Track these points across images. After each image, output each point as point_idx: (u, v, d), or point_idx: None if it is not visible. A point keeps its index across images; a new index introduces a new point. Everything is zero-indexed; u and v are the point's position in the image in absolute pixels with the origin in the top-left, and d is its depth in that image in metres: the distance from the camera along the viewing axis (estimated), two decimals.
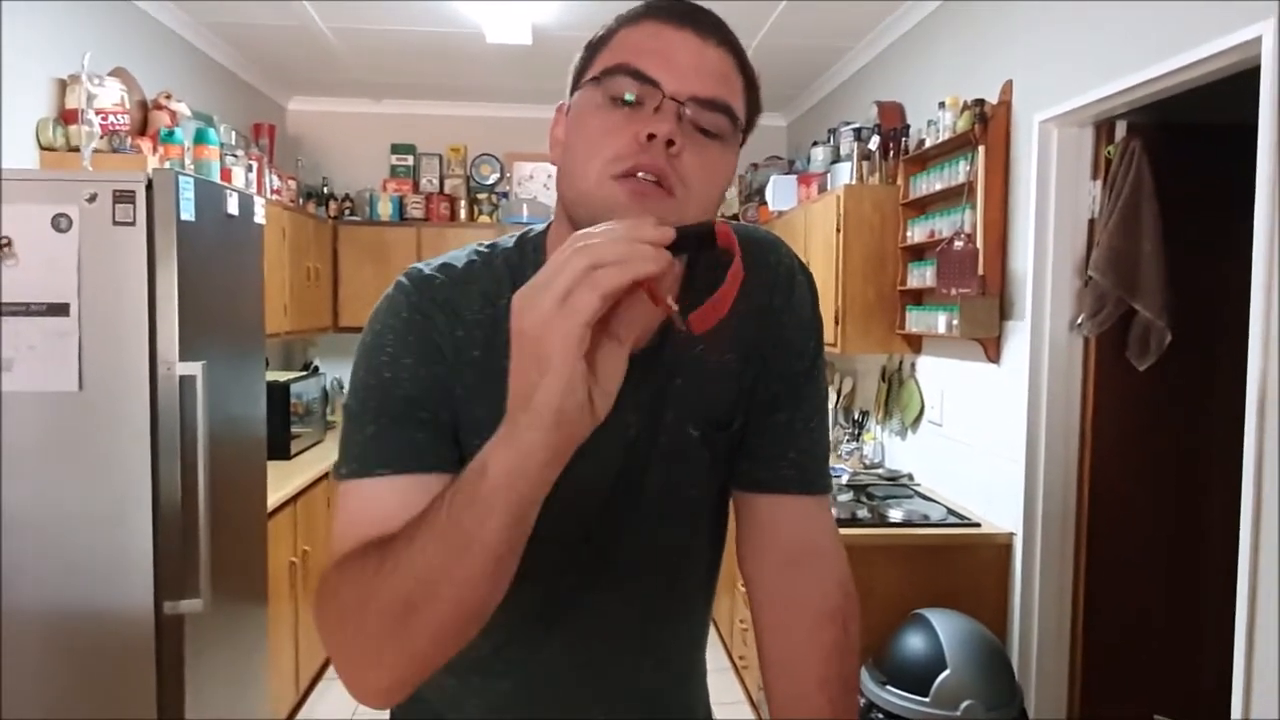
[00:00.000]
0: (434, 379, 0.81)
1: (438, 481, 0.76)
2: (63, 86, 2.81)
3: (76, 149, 2.65)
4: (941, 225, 2.99)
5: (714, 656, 1.02)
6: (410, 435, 0.78)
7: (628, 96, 0.74)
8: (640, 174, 0.72)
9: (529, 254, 0.87)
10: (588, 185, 0.74)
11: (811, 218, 3.67)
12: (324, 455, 3.73)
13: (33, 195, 2.01)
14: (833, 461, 3.18)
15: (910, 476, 3.45)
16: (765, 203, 4.24)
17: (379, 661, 0.66)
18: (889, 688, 2.37)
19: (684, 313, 0.60)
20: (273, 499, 2.89)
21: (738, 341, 0.90)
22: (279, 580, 2.97)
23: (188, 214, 2.11)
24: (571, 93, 0.82)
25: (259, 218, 2.65)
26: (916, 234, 3.18)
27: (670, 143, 0.72)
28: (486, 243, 0.90)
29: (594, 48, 0.80)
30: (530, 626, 0.89)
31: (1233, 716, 1.85)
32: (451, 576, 0.61)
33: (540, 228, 0.90)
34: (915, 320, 3.19)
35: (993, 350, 2.81)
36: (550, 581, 0.86)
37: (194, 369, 2.10)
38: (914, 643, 2.40)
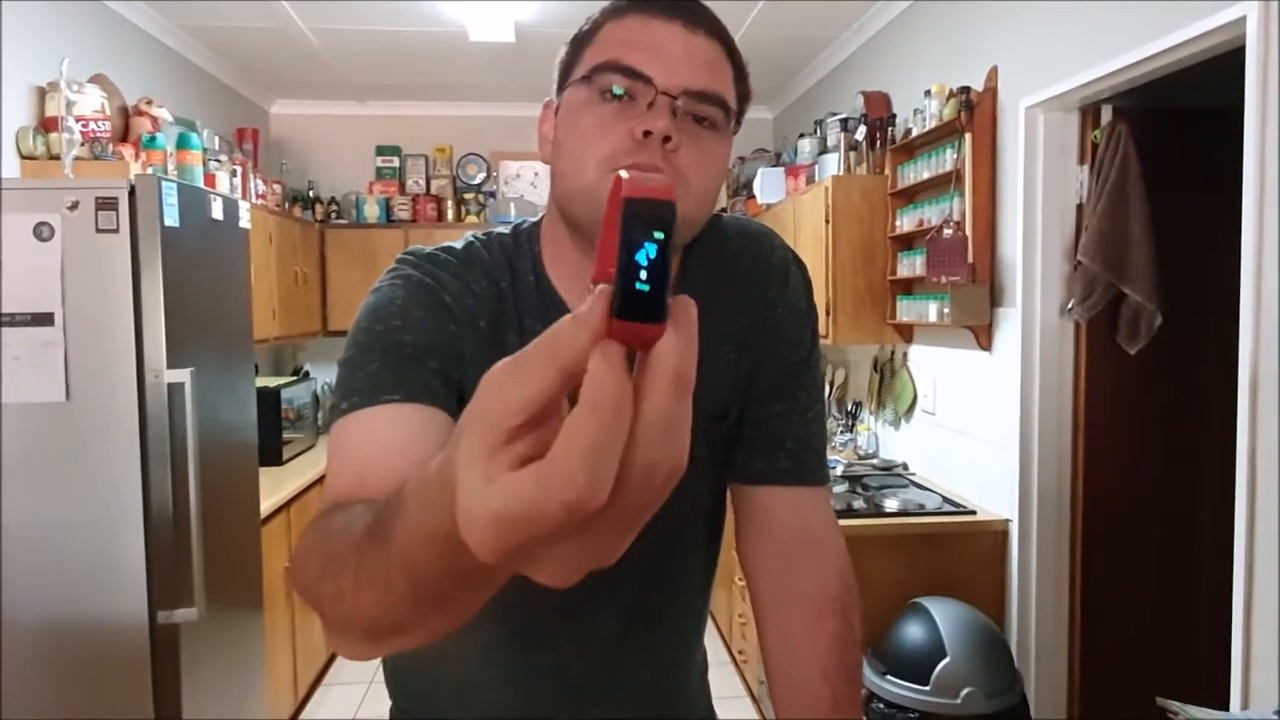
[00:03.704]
0: (445, 334, 0.77)
1: (446, 422, 0.71)
2: (42, 94, 2.78)
3: (57, 157, 2.62)
4: (930, 214, 2.99)
5: (713, 650, 1.01)
6: (418, 373, 0.73)
7: (618, 91, 0.73)
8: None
9: (524, 244, 0.87)
10: (585, 182, 0.73)
11: (800, 209, 3.67)
12: (316, 460, 3.71)
13: (14, 204, 1.98)
14: (828, 453, 3.18)
15: (905, 466, 3.45)
16: (753, 196, 4.24)
17: (344, 632, 0.56)
18: (889, 677, 2.37)
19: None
20: (266, 505, 2.87)
21: (734, 333, 0.89)
22: (274, 587, 2.95)
23: (171, 220, 2.09)
24: (559, 89, 0.81)
25: (244, 222, 2.62)
26: (905, 223, 3.18)
27: (667, 139, 0.71)
28: (482, 232, 0.89)
29: (580, 43, 0.79)
30: (529, 625, 0.88)
31: (1232, 694, 1.85)
32: (415, 627, 0.49)
33: (534, 220, 0.89)
34: (906, 309, 3.19)
35: (984, 337, 2.81)
36: None
37: (182, 376, 2.08)
38: (913, 632, 2.41)
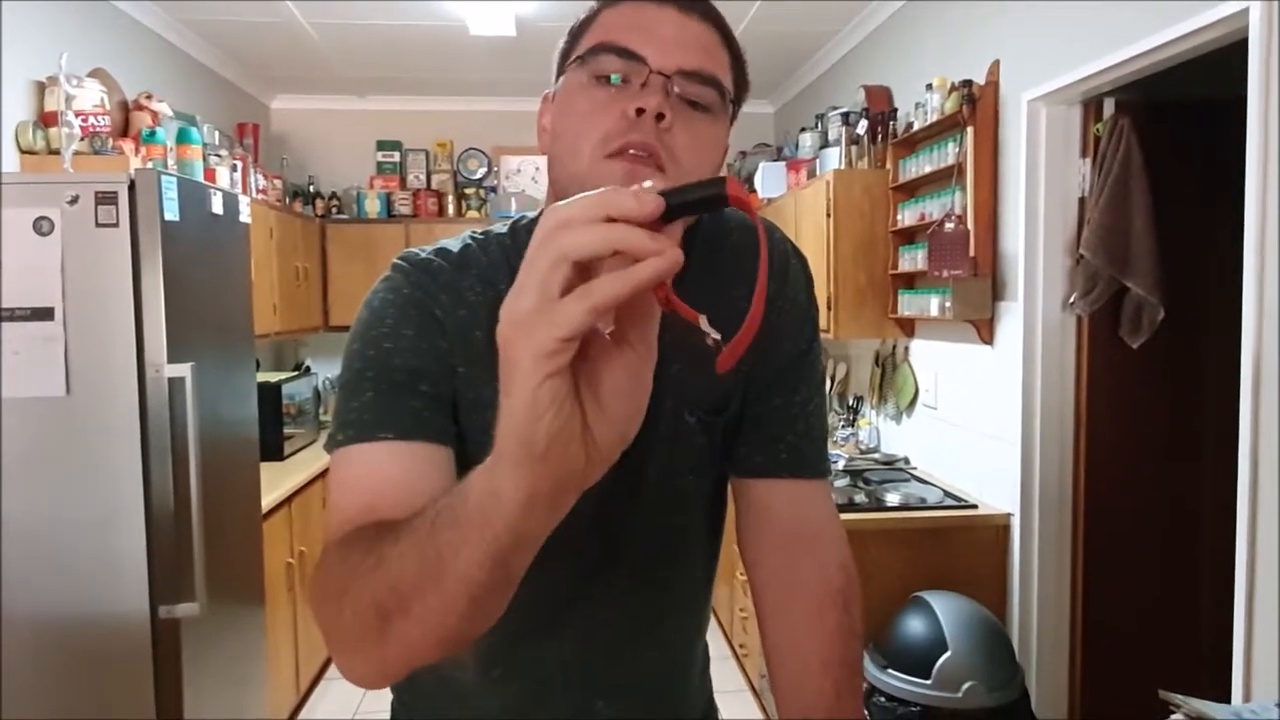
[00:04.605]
0: (435, 353, 0.79)
1: (439, 453, 0.75)
2: (41, 89, 2.77)
3: (57, 152, 2.62)
4: (932, 208, 2.98)
5: (714, 645, 1.01)
6: (411, 403, 0.76)
7: (614, 79, 0.74)
8: (631, 151, 0.71)
9: (522, 239, 0.86)
10: (580, 167, 0.73)
11: (801, 204, 3.66)
12: (317, 455, 3.70)
13: (13, 199, 1.98)
14: (829, 447, 3.16)
15: (906, 460, 3.45)
16: (755, 190, 4.23)
17: (355, 652, 0.62)
18: (890, 671, 2.37)
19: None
20: (267, 500, 2.87)
21: (734, 326, 0.89)
22: (276, 582, 2.95)
23: (171, 214, 2.09)
24: (557, 79, 0.81)
25: (244, 217, 2.62)
26: (907, 217, 3.17)
27: (660, 116, 0.71)
28: (479, 230, 0.88)
29: (577, 32, 0.80)
30: (532, 621, 0.88)
31: (1233, 690, 1.85)
32: (424, 598, 0.54)
33: (533, 215, 0.89)
34: (907, 304, 3.18)
35: (986, 331, 2.81)
36: (551, 574, 0.84)
37: (183, 370, 2.08)
38: (914, 625, 2.41)
